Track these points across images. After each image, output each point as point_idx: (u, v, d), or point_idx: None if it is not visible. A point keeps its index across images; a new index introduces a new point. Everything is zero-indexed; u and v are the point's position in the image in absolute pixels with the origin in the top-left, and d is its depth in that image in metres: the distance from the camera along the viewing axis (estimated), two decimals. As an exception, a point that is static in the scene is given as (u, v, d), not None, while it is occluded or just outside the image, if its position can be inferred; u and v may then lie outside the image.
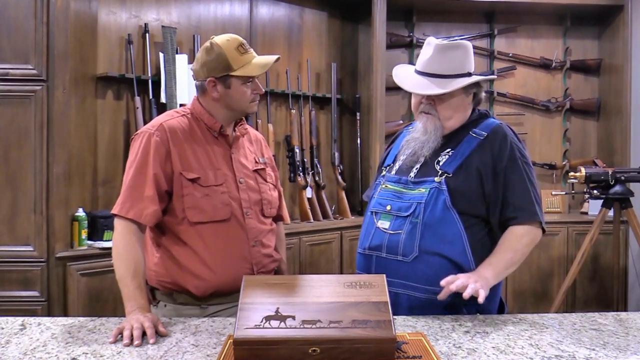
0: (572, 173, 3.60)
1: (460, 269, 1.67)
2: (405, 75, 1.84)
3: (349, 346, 1.25)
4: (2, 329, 1.51)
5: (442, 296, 1.58)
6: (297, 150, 4.05)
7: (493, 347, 1.38)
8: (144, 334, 1.43)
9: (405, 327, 1.54)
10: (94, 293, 2.90)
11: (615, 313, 1.70)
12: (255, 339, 1.25)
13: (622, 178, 3.50)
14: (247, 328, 1.26)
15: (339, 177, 4.28)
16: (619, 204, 3.55)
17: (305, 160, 4.11)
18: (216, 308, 1.77)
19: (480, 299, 1.53)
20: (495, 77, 4.54)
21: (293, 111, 4.10)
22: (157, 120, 1.80)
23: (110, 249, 1.72)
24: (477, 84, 1.81)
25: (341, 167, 4.33)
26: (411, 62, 4.42)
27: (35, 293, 2.79)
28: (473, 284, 1.54)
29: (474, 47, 4.66)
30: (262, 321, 1.28)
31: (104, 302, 2.92)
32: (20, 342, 1.41)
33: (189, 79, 3.41)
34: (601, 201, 3.58)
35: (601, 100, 4.69)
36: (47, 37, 2.81)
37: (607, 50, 4.63)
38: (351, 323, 1.28)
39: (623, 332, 1.51)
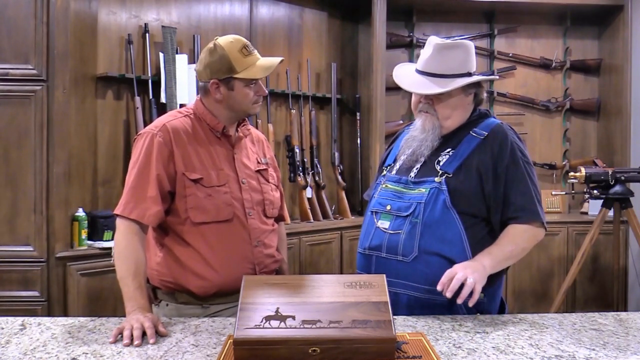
0: (572, 173, 3.61)
1: (460, 269, 1.67)
2: (405, 75, 1.85)
3: (349, 346, 1.25)
4: (2, 329, 1.51)
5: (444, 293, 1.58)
6: (297, 150, 4.05)
7: (493, 347, 1.38)
8: (144, 334, 1.43)
9: (405, 327, 1.54)
10: (94, 293, 2.90)
11: (615, 313, 1.70)
12: (255, 339, 1.25)
13: (622, 178, 3.50)
14: (247, 328, 1.26)
15: (339, 177, 4.28)
16: (619, 204, 3.55)
17: (305, 160, 4.11)
18: (218, 308, 1.77)
19: (475, 295, 1.54)
20: (497, 77, 4.54)
21: (293, 111, 4.10)
22: (160, 120, 1.80)
23: (110, 249, 1.73)
24: (477, 84, 1.80)
25: (341, 167, 4.33)
26: (411, 62, 4.42)
27: (35, 293, 2.79)
28: (470, 277, 1.54)
29: (474, 48, 4.67)
30: (262, 321, 1.28)
31: (104, 302, 2.92)
32: (20, 342, 1.41)
33: (189, 79, 3.41)
34: (601, 201, 3.58)
35: (601, 100, 4.69)
36: (47, 37, 2.81)
37: (607, 50, 4.63)
38: (351, 323, 1.28)
39: (623, 332, 1.51)
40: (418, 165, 1.79)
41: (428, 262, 1.68)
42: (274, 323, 1.28)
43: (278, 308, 1.32)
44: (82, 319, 1.61)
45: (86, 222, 2.96)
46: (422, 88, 1.77)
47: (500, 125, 1.80)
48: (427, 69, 1.78)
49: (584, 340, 1.44)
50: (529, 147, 1.90)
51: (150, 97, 3.33)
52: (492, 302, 1.76)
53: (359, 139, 4.39)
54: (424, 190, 1.73)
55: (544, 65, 4.70)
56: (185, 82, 3.40)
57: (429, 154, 1.78)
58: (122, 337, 1.42)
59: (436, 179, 1.73)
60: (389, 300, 1.35)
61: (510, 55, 4.66)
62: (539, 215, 1.72)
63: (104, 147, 3.28)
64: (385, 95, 4.26)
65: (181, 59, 3.41)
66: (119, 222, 1.70)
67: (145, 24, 3.39)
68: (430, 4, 4.46)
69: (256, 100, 1.81)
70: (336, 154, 4.31)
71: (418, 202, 1.72)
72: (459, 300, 1.55)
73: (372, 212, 1.82)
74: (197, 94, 1.88)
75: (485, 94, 1.89)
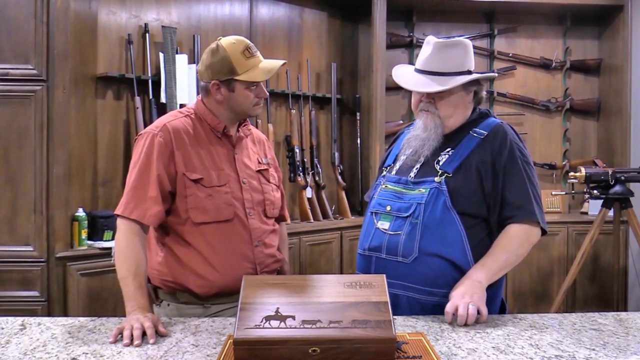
0: (572, 173, 3.60)
1: (460, 270, 1.67)
2: (404, 75, 1.84)
3: (349, 346, 1.24)
4: (2, 329, 1.51)
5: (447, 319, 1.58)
6: (297, 150, 4.05)
7: (493, 347, 1.38)
8: (144, 334, 1.43)
9: (405, 327, 1.54)
10: (94, 293, 2.90)
11: (615, 313, 1.70)
12: (255, 339, 1.25)
13: (622, 178, 3.50)
14: (247, 328, 1.26)
15: (339, 177, 4.28)
16: (619, 204, 3.55)
17: (305, 160, 4.11)
18: (218, 308, 1.77)
19: (483, 317, 1.55)
20: (496, 74, 4.54)
21: (293, 111, 4.10)
22: (161, 120, 1.80)
23: (110, 249, 1.73)
24: (477, 82, 1.80)
25: (341, 167, 4.33)
26: (411, 62, 4.42)
27: (35, 293, 2.79)
28: (471, 305, 1.54)
29: (474, 47, 4.66)
30: (262, 321, 1.28)
31: (104, 302, 2.92)
32: (20, 342, 1.41)
33: (189, 79, 3.41)
34: (601, 201, 3.58)
35: (601, 100, 4.69)
36: (47, 37, 2.81)
37: (607, 50, 4.63)
38: (351, 323, 1.28)
39: (623, 332, 1.51)
40: (418, 165, 1.79)
41: (428, 263, 1.68)
42: (274, 323, 1.28)
43: (278, 308, 1.32)
44: (82, 319, 1.61)
45: (86, 222, 2.96)
46: (424, 86, 1.77)
47: (501, 124, 1.80)
48: (428, 67, 1.78)
49: (584, 340, 1.44)
50: (529, 147, 1.90)
51: (150, 97, 3.33)
52: (492, 302, 1.75)
53: (359, 139, 4.39)
54: (424, 190, 1.73)
55: (544, 65, 4.70)
56: (185, 82, 3.40)
57: (429, 153, 1.78)
58: (122, 337, 1.42)
59: (436, 178, 1.73)
60: (389, 300, 1.35)
61: (510, 55, 4.66)
62: (535, 214, 1.71)
63: (104, 147, 3.28)
64: (385, 95, 4.26)
65: (181, 59, 3.41)
66: (119, 222, 1.70)
67: (145, 24, 3.39)
68: (430, 4, 4.46)
69: (257, 102, 1.81)
70: (336, 154, 4.31)
71: (418, 202, 1.71)
72: (460, 323, 1.54)
73: (372, 212, 1.82)
74: (198, 93, 1.89)
75: (485, 92, 1.88)
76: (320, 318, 1.29)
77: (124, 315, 1.55)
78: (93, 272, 2.90)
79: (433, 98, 1.78)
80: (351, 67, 4.54)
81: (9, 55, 2.80)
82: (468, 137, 1.77)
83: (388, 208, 1.77)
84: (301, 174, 4.05)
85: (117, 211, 1.70)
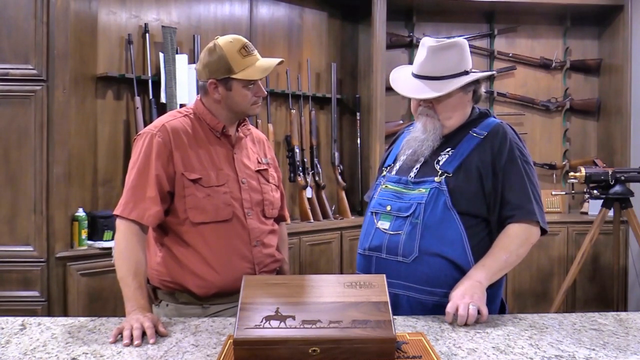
0: (572, 173, 3.61)
1: (460, 270, 1.67)
2: (401, 80, 1.83)
3: (349, 346, 1.24)
4: (2, 329, 1.51)
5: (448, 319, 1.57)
6: (297, 150, 4.05)
7: (493, 347, 1.38)
8: (144, 334, 1.43)
9: (405, 327, 1.54)
10: (94, 293, 2.90)
11: (615, 313, 1.70)
12: (255, 339, 1.25)
13: (622, 178, 3.50)
14: (247, 328, 1.26)
15: (339, 177, 4.28)
16: (619, 204, 3.55)
17: (305, 160, 4.11)
18: (218, 308, 1.77)
19: (483, 317, 1.55)
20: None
21: (293, 111, 4.10)
22: (160, 120, 1.80)
23: (110, 249, 1.73)
24: (475, 81, 1.79)
25: (341, 167, 4.33)
26: (411, 62, 4.42)
27: (35, 293, 2.79)
28: (471, 305, 1.53)
29: (474, 47, 4.67)
30: (262, 321, 1.28)
31: (104, 302, 2.92)
32: (20, 342, 1.41)
33: (189, 79, 3.41)
34: (601, 201, 3.58)
35: (601, 100, 4.69)
36: (47, 37, 2.81)
37: (607, 50, 4.63)
38: (351, 323, 1.28)
39: (623, 332, 1.51)
40: (418, 165, 1.79)
41: (428, 263, 1.68)
42: (274, 323, 1.28)
43: (278, 308, 1.31)
44: (82, 319, 1.60)
45: (86, 222, 2.96)
46: (420, 93, 1.76)
47: (500, 124, 1.80)
48: (423, 72, 1.77)
49: (584, 340, 1.44)
50: (529, 147, 1.89)
51: (150, 97, 3.33)
52: (492, 302, 1.75)
53: (359, 139, 4.39)
54: (424, 190, 1.73)
55: (544, 65, 4.70)
56: (185, 82, 3.40)
57: (429, 153, 1.78)
58: (122, 337, 1.41)
59: (436, 178, 1.73)
60: (389, 300, 1.35)
61: (510, 55, 4.66)
62: (534, 214, 1.70)
63: (104, 147, 3.28)
64: (385, 95, 4.26)
65: (181, 59, 3.41)
66: (118, 223, 1.70)
67: (145, 24, 3.39)
68: (430, 4, 4.46)
69: (255, 101, 1.81)
70: (336, 154, 4.31)
71: (418, 202, 1.71)
72: (469, 322, 1.55)
73: (372, 212, 1.82)
74: (197, 93, 1.89)
75: (483, 90, 1.87)
76: (320, 318, 1.29)
77: (124, 316, 1.55)
78: (93, 272, 2.90)
79: (431, 102, 1.77)
80: (351, 67, 4.54)
81: (9, 55, 2.80)
82: (468, 137, 1.77)
83: (388, 208, 1.77)
84: (301, 174, 4.05)
85: (116, 211, 1.70)
